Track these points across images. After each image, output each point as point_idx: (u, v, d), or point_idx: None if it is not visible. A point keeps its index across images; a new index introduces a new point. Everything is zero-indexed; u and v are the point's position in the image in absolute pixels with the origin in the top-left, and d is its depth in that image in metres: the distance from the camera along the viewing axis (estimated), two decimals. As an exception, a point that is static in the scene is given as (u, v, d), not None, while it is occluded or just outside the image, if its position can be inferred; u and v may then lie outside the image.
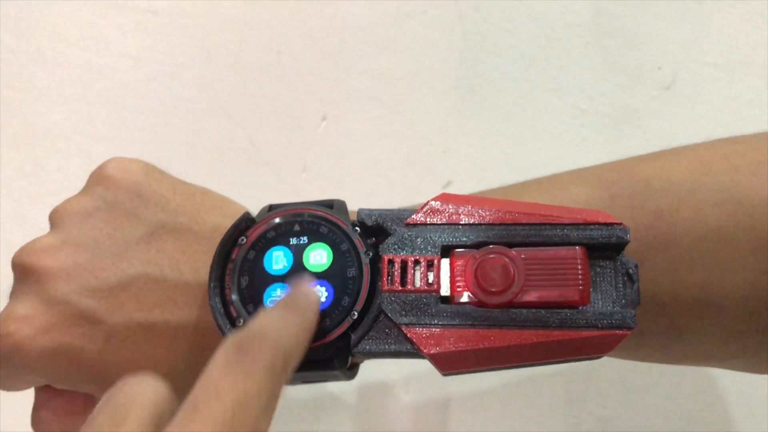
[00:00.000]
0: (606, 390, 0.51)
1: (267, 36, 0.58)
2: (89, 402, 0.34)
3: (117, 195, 0.33)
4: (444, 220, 0.31)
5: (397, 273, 0.30)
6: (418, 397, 0.52)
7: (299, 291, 0.29)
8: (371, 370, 0.52)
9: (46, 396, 0.34)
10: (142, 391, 0.24)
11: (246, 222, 0.32)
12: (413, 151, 0.55)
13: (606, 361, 0.51)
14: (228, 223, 0.32)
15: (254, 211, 0.34)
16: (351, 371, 0.34)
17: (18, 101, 0.57)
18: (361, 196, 0.54)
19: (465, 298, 0.30)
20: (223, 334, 0.31)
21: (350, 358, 0.31)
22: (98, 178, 0.34)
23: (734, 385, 0.50)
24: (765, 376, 0.49)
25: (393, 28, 0.57)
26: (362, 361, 0.35)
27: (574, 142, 0.55)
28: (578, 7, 0.57)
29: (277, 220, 0.32)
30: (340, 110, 0.56)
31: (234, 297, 0.31)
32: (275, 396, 0.24)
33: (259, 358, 0.24)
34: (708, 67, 0.55)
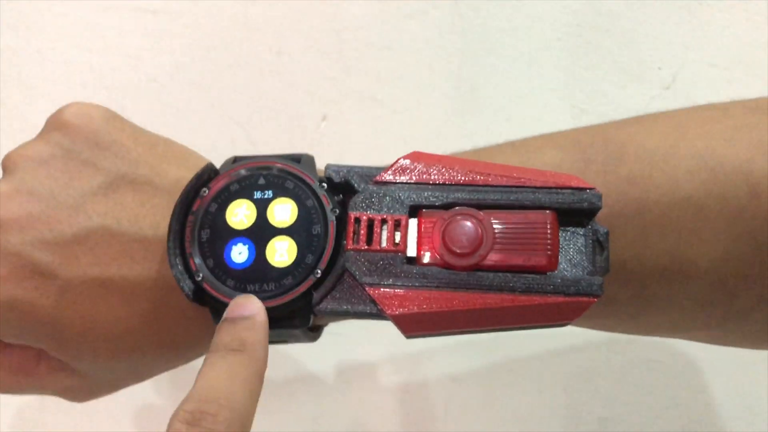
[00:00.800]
0: (606, 390, 0.51)
1: (267, 36, 0.58)
2: (42, 357, 0.33)
3: (75, 142, 0.32)
4: (413, 179, 0.30)
5: (363, 232, 0.29)
6: (417, 399, 0.52)
7: (243, 326, 0.28)
8: (368, 361, 0.52)
9: None
10: None
11: (209, 173, 0.31)
12: (413, 151, 0.55)
13: (606, 360, 0.51)
14: (191, 176, 0.31)
15: None
16: (314, 333, 0.33)
17: (18, 101, 0.57)
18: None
19: (431, 259, 0.29)
20: (182, 289, 0.30)
21: (312, 317, 0.30)
22: (56, 124, 0.33)
23: (734, 386, 0.50)
24: (766, 376, 0.49)
25: (393, 28, 0.57)
26: (326, 324, 0.35)
27: (574, 142, 0.55)
28: (578, 7, 0.57)
29: (242, 172, 0.31)
30: (340, 110, 0.56)
31: (194, 251, 0.30)
32: None
33: None
34: (708, 67, 0.55)
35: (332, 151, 0.56)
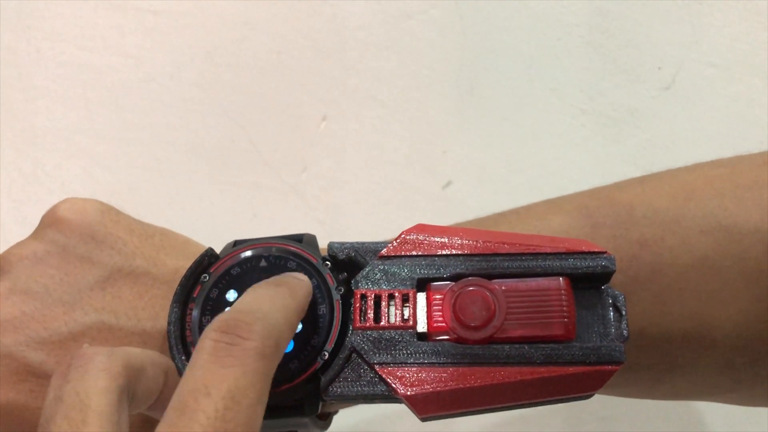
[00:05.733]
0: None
1: (267, 36, 0.58)
2: None
3: (69, 238, 0.31)
4: (419, 252, 0.29)
5: (370, 309, 0.28)
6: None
7: (288, 273, 0.28)
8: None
9: None
10: (94, 384, 0.22)
11: (209, 258, 0.30)
12: (413, 151, 0.55)
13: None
14: (190, 264, 0.30)
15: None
16: (323, 420, 0.31)
17: (18, 101, 0.57)
18: (361, 196, 0.54)
19: (443, 334, 0.28)
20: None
21: (320, 404, 0.29)
22: (50, 221, 0.32)
23: (734, 385, 0.50)
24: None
25: (393, 28, 0.57)
26: (335, 411, 0.33)
27: (574, 142, 0.55)
28: (578, 7, 0.57)
29: (243, 255, 0.30)
30: (340, 110, 0.56)
31: (196, 339, 0.29)
32: (268, 384, 0.23)
33: (248, 343, 0.23)
34: (708, 67, 0.55)
35: (332, 151, 0.56)
